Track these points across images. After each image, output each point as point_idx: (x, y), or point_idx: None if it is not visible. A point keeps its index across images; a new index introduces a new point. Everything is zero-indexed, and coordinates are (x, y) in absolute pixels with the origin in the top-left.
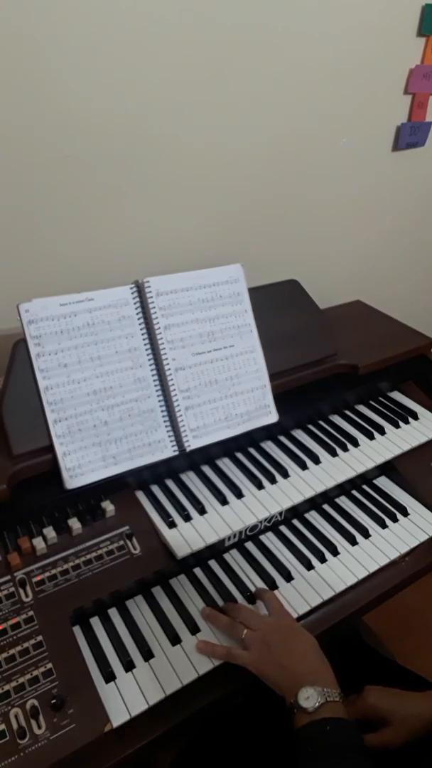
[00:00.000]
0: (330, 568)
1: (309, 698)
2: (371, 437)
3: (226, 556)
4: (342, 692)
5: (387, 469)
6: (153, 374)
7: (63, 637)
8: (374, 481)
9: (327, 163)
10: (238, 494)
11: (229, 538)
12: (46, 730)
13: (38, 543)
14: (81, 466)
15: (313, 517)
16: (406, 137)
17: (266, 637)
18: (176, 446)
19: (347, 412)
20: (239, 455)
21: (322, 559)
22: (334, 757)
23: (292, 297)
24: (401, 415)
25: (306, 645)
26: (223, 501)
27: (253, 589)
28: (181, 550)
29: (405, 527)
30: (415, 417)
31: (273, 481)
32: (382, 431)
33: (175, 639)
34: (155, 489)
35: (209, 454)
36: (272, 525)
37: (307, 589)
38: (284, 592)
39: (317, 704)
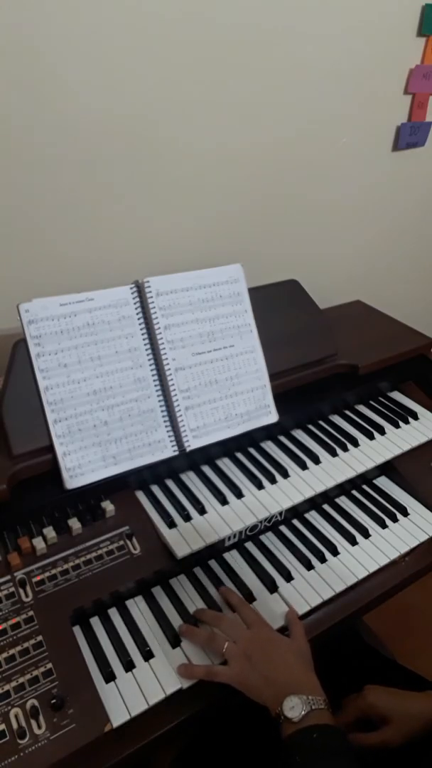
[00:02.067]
0: (330, 568)
1: (294, 707)
2: (371, 437)
3: (226, 556)
4: (327, 699)
5: (387, 469)
6: (153, 374)
7: (63, 637)
8: (374, 481)
9: (327, 163)
10: (238, 494)
11: (229, 538)
12: (46, 730)
13: (38, 543)
14: (81, 466)
15: (313, 517)
16: (406, 137)
17: (247, 649)
18: (176, 446)
19: (347, 412)
20: (239, 455)
21: (322, 559)
22: (323, 764)
23: (292, 297)
24: (401, 415)
25: (287, 654)
26: (223, 501)
27: (253, 589)
28: (181, 550)
29: (405, 527)
30: (415, 417)
31: (273, 481)
32: (382, 431)
33: (175, 639)
34: (155, 489)
35: (209, 454)
36: (272, 525)
37: (307, 589)
38: (284, 592)
39: (303, 713)
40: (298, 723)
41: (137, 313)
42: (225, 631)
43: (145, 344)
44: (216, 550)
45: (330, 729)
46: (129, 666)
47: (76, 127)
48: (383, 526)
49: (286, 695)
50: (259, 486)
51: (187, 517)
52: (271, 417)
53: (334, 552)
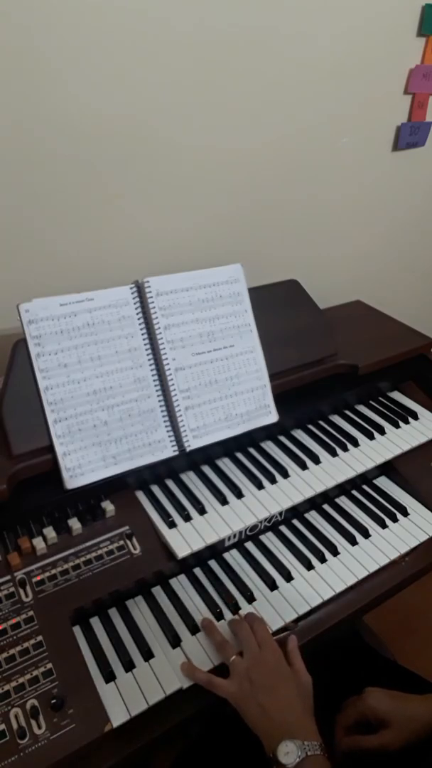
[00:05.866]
0: (330, 568)
1: (289, 753)
2: (371, 437)
3: (226, 556)
4: (323, 743)
5: (387, 469)
6: (153, 374)
7: (63, 637)
8: (374, 481)
9: (327, 163)
10: (238, 494)
11: (229, 538)
12: (46, 730)
13: (38, 543)
14: (81, 466)
15: (313, 517)
16: (406, 137)
17: (250, 669)
18: (176, 446)
19: (347, 412)
20: (239, 455)
21: (322, 559)
22: None
23: (292, 297)
24: (401, 415)
25: (289, 687)
26: (223, 501)
27: (253, 589)
28: (181, 550)
29: (405, 527)
30: (415, 417)
31: (273, 481)
32: (382, 431)
33: (175, 639)
34: (155, 489)
35: (209, 454)
36: (272, 525)
37: (308, 589)
38: (284, 592)
39: (297, 760)
40: None
41: (137, 313)
42: (240, 640)
43: (145, 344)
44: (216, 550)
45: None
46: (129, 666)
47: (77, 127)
48: (383, 526)
49: (281, 738)
50: (259, 486)
51: (187, 517)
52: (271, 417)
53: (334, 552)
